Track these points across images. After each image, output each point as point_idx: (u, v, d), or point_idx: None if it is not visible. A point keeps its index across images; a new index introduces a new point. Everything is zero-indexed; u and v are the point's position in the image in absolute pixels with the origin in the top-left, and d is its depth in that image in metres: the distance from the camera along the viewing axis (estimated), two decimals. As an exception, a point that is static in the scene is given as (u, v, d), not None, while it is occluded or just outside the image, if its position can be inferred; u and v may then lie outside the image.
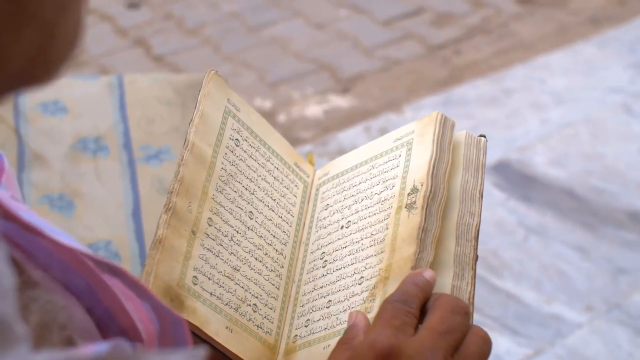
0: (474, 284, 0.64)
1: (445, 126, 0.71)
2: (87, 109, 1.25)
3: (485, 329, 1.69)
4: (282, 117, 2.35)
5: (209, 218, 0.67)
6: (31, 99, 1.24)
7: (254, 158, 0.74)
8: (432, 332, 0.53)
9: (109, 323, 0.51)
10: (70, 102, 1.25)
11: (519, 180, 2.04)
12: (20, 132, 1.19)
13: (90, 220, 1.12)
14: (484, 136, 0.73)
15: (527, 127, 2.25)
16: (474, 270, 0.65)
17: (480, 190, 0.69)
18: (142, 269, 0.62)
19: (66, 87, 1.28)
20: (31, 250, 0.48)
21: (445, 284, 0.64)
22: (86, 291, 0.50)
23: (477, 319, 1.66)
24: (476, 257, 0.66)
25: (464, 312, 0.55)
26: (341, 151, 2.14)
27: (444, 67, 2.60)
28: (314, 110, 2.38)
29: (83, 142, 1.20)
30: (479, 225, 0.68)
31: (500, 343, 1.62)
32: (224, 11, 2.94)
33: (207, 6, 2.97)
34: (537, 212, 1.94)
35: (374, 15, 2.90)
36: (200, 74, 1.54)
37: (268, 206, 0.73)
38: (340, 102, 2.42)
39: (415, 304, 0.56)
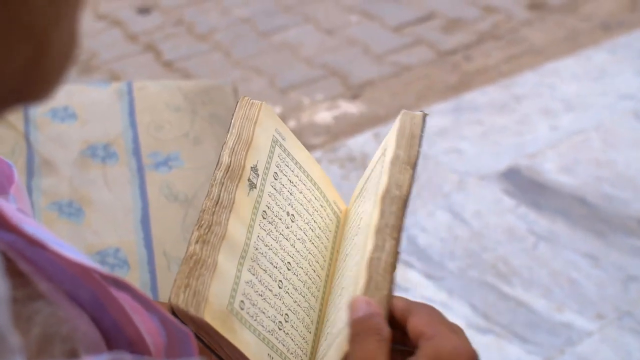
0: (395, 254, 0.63)
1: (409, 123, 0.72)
2: (97, 115, 1.25)
3: (494, 336, 1.68)
4: (292, 123, 2.35)
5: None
6: (41, 105, 1.24)
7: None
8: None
9: (116, 335, 0.51)
10: (79, 108, 1.26)
11: (529, 187, 2.03)
12: (29, 138, 1.19)
13: (99, 227, 1.12)
14: (423, 112, 0.73)
15: (537, 133, 2.25)
16: (396, 239, 0.64)
17: (410, 163, 0.68)
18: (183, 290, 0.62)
19: (76, 93, 1.28)
20: (39, 262, 0.48)
21: (364, 259, 0.64)
22: (93, 303, 0.50)
23: (485, 326, 1.65)
24: (400, 227, 0.64)
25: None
26: (351, 157, 2.14)
27: (454, 73, 2.59)
28: (323, 116, 2.38)
29: (92, 148, 1.21)
30: (409, 196, 0.66)
31: (510, 351, 1.61)
32: (235, 16, 2.94)
33: (218, 11, 2.97)
34: (547, 219, 1.93)
35: (384, 21, 2.90)
36: (210, 80, 1.55)
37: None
38: (350, 108, 2.42)
39: None
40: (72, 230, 1.10)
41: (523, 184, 2.04)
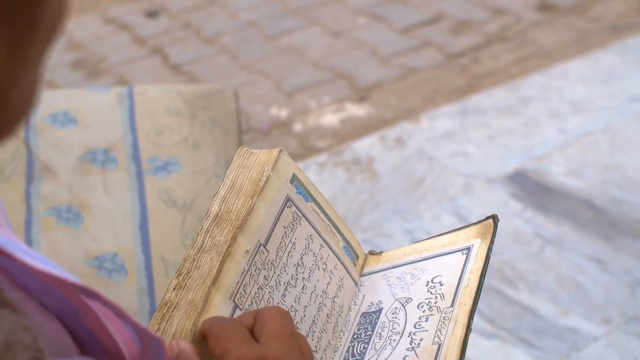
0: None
1: None
2: (97, 120, 1.25)
3: (499, 341, 1.66)
4: (298, 126, 2.34)
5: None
6: (41, 110, 1.24)
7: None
8: (280, 337, 0.56)
9: (92, 344, 0.51)
10: (79, 113, 1.25)
11: (536, 191, 2.02)
12: (29, 143, 1.19)
13: (97, 232, 1.11)
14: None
15: (544, 136, 2.23)
16: None
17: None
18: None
19: (76, 98, 1.28)
20: (11, 270, 0.47)
21: None
22: (68, 312, 0.49)
23: (491, 330, 1.64)
24: None
25: (289, 314, 0.59)
26: (356, 161, 2.13)
27: (462, 75, 2.58)
28: (330, 119, 2.38)
29: (92, 153, 1.20)
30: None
31: (515, 356, 1.60)
32: (242, 20, 2.94)
33: (225, 15, 2.97)
34: (554, 223, 1.92)
35: (392, 23, 2.89)
36: (210, 84, 1.54)
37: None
38: (356, 110, 2.41)
39: (245, 320, 0.59)
40: (70, 235, 1.10)
41: (530, 187, 2.03)
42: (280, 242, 0.69)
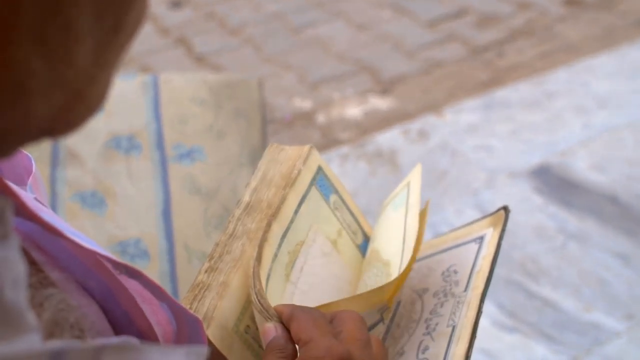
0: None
1: None
2: (122, 107, 1.25)
3: (520, 335, 1.65)
4: (321, 118, 2.34)
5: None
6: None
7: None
8: (359, 341, 0.55)
9: (127, 326, 0.51)
10: (105, 100, 1.26)
11: (560, 185, 2.01)
12: (54, 129, 1.20)
13: (121, 218, 1.12)
14: None
15: (569, 131, 2.22)
16: None
17: None
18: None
19: (101, 85, 1.29)
20: (53, 251, 0.48)
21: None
22: (105, 294, 0.51)
23: (513, 325, 1.64)
24: None
25: (365, 321, 0.58)
26: (379, 153, 2.13)
27: (487, 69, 2.57)
28: (353, 111, 2.37)
29: (116, 140, 1.21)
30: None
31: (537, 350, 1.59)
32: (267, 11, 2.94)
33: (250, 6, 2.98)
34: (577, 218, 1.90)
35: (417, 16, 2.88)
36: (236, 74, 1.55)
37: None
38: (379, 103, 2.41)
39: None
40: (94, 221, 1.11)
41: (553, 182, 2.02)
42: None
